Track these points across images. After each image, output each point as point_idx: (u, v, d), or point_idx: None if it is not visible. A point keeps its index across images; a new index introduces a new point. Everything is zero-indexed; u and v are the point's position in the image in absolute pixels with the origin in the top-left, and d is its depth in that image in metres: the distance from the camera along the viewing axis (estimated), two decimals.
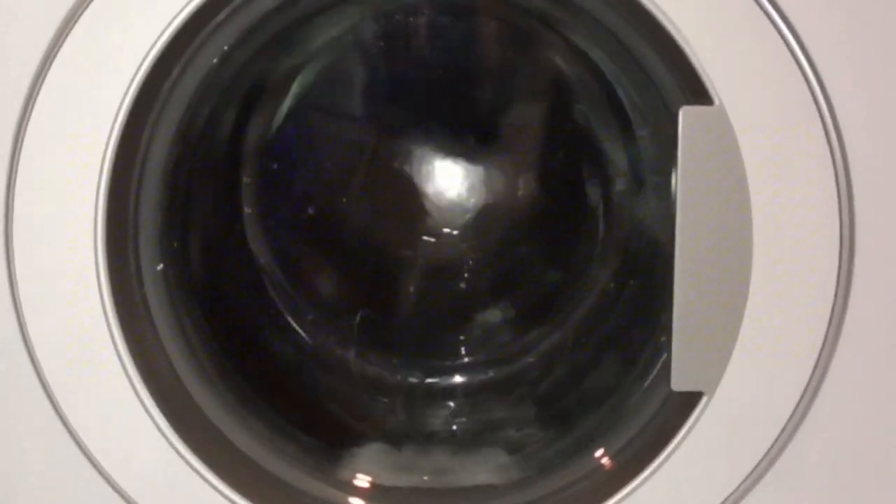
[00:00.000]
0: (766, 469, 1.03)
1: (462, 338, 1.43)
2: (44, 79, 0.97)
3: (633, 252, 1.36)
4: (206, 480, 1.05)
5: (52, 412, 1.04)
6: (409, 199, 1.43)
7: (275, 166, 1.40)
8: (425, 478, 1.20)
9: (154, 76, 0.99)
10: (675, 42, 0.95)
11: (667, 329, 1.01)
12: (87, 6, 0.97)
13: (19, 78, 0.98)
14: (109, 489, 1.05)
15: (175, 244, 1.17)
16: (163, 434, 1.04)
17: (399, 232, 1.43)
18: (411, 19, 1.37)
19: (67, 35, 0.97)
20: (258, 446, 1.14)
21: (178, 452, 1.04)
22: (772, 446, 1.02)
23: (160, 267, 1.12)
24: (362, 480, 1.17)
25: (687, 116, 0.96)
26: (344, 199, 1.45)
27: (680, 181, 0.98)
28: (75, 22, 0.97)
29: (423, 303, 1.44)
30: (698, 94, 0.96)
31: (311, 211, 1.44)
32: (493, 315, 1.43)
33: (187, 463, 1.05)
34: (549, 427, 1.28)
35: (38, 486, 1.07)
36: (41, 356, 1.02)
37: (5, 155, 0.99)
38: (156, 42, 0.97)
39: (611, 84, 1.30)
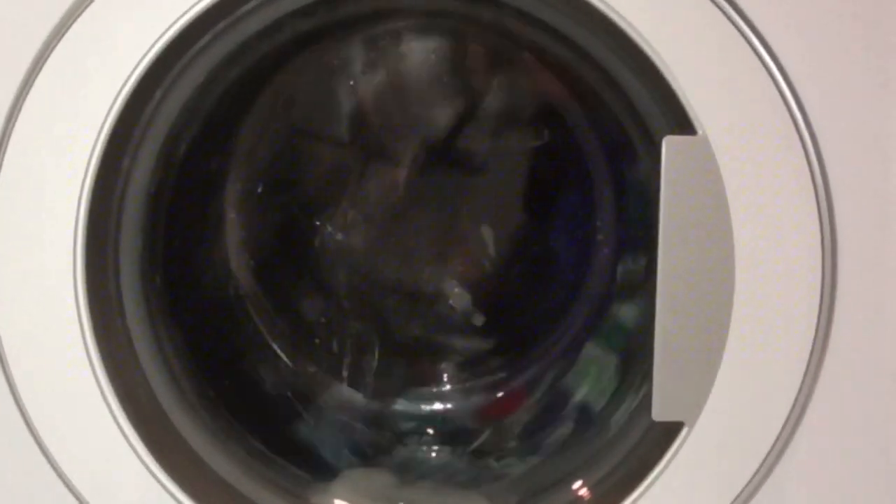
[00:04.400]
0: (747, 501, 1.03)
1: (444, 365, 1.42)
2: (23, 102, 0.97)
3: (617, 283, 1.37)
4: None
5: (28, 436, 1.03)
6: (394, 225, 1.44)
7: (258, 190, 1.40)
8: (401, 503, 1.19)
9: (136, 99, 0.99)
10: (659, 72, 0.96)
11: (648, 359, 1.01)
12: (69, 28, 0.97)
13: None
14: None
15: (156, 270, 1.17)
16: (140, 459, 1.03)
17: (383, 257, 1.43)
18: (397, 45, 1.37)
19: (49, 55, 0.97)
20: (236, 471, 1.14)
21: (155, 477, 1.04)
22: (752, 477, 1.02)
23: (139, 289, 1.11)
24: None
25: (670, 146, 0.97)
26: (328, 225, 1.44)
27: (663, 209, 0.98)
28: (58, 42, 0.97)
29: (406, 330, 1.44)
30: (682, 123, 0.96)
31: (294, 236, 1.44)
32: (475, 344, 1.42)
33: (164, 488, 1.04)
34: (528, 457, 1.27)
35: None
36: (18, 380, 1.02)
37: None
38: (138, 64, 0.98)
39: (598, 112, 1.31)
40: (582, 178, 1.41)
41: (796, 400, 0.99)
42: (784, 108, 0.95)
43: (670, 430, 1.01)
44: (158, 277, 1.18)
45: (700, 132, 0.96)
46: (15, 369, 1.02)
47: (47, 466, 1.03)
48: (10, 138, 0.98)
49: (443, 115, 1.44)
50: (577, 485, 1.11)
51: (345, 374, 1.40)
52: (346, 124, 1.43)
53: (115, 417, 1.02)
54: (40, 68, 0.97)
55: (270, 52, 1.19)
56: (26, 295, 1.00)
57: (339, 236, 1.44)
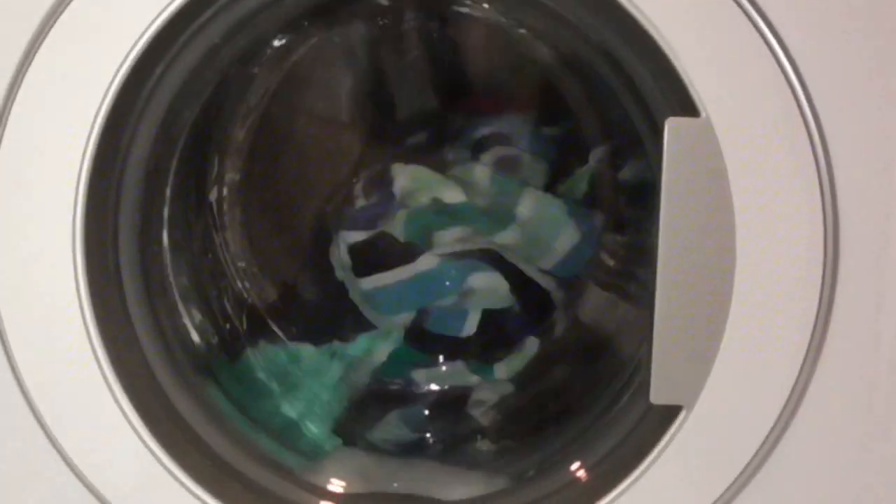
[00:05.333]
0: (745, 484, 1.03)
1: (440, 347, 1.42)
2: (22, 78, 0.97)
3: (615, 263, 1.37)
4: (181, 483, 1.05)
5: (28, 413, 1.03)
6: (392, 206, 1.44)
7: (257, 168, 1.40)
8: (395, 484, 1.19)
9: (136, 76, 0.99)
10: (663, 53, 0.95)
11: (646, 341, 1.01)
12: (70, 4, 0.96)
13: None
14: (85, 491, 1.05)
15: (154, 245, 1.17)
16: (139, 436, 1.03)
17: (382, 236, 1.43)
18: (398, 23, 1.37)
19: (49, 32, 0.96)
20: (234, 449, 1.14)
21: (153, 454, 1.04)
22: (751, 461, 1.02)
23: (139, 268, 1.11)
24: (336, 486, 1.17)
25: (673, 128, 0.96)
26: (326, 205, 1.45)
27: (664, 192, 0.97)
28: (58, 17, 0.96)
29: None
30: (684, 106, 0.96)
31: (291, 214, 1.44)
32: (472, 326, 1.43)
33: (162, 465, 1.04)
34: (525, 439, 1.28)
35: (14, 489, 1.06)
36: (18, 357, 1.02)
37: None
38: (138, 40, 0.97)
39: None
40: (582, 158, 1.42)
41: (796, 383, 0.99)
42: (788, 90, 0.94)
43: (669, 413, 1.01)
44: (156, 255, 1.18)
45: (703, 114, 0.95)
46: (16, 348, 1.01)
47: (48, 446, 1.03)
48: (10, 115, 0.97)
49: (442, 95, 1.44)
50: (575, 466, 1.12)
51: (340, 353, 1.40)
52: (347, 103, 1.43)
53: (113, 395, 1.02)
54: (40, 44, 0.96)
55: (270, 29, 1.19)
56: (26, 272, 1.00)
57: (336, 214, 1.44)
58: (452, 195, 1.39)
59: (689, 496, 1.03)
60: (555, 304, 1.42)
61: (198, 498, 1.05)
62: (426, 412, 1.37)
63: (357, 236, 1.41)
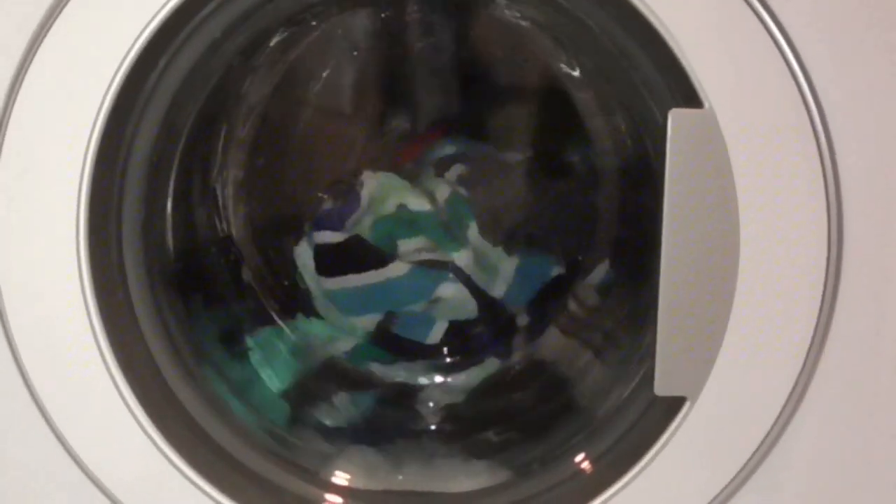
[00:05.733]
0: (749, 475, 1.03)
1: (404, 349, 1.43)
2: (26, 70, 0.97)
3: (619, 255, 1.37)
4: (185, 476, 1.05)
5: (34, 408, 1.03)
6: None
7: (260, 161, 1.40)
8: (400, 477, 1.20)
9: (140, 67, 0.98)
10: (666, 44, 0.95)
11: (651, 333, 1.01)
12: None
13: (2, 69, 0.97)
14: (90, 484, 1.05)
15: (158, 238, 1.17)
16: (143, 429, 1.03)
17: (355, 239, 1.43)
18: (401, 15, 1.36)
19: (52, 25, 0.96)
20: (238, 442, 1.14)
21: (158, 447, 1.04)
22: (755, 452, 1.02)
23: (143, 262, 1.11)
24: (341, 479, 1.17)
25: (676, 119, 0.96)
26: (331, 196, 1.45)
27: (668, 184, 0.97)
28: (62, 10, 0.96)
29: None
30: (688, 97, 0.96)
31: (295, 207, 1.44)
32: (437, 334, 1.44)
33: (167, 458, 1.04)
34: (530, 430, 1.28)
35: (19, 483, 1.06)
36: (23, 352, 1.02)
37: None
38: (142, 33, 0.97)
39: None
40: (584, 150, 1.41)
41: (800, 374, 0.99)
42: (792, 81, 0.94)
43: (673, 405, 1.01)
44: (160, 247, 1.18)
45: (706, 105, 0.95)
46: (21, 344, 1.01)
47: (53, 440, 1.03)
48: (14, 107, 0.97)
49: (445, 88, 1.44)
50: (579, 458, 1.12)
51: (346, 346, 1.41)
52: (350, 95, 1.43)
53: (118, 389, 1.02)
54: (44, 36, 0.96)
55: (274, 21, 1.19)
56: (30, 268, 1.00)
57: (342, 206, 1.44)
58: (417, 203, 1.41)
59: (693, 487, 1.03)
60: (516, 328, 1.44)
61: (202, 491, 1.05)
62: (375, 400, 1.38)
63: (328, 236, 1.42)
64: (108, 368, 1.01)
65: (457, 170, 1.45)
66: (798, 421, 1.02)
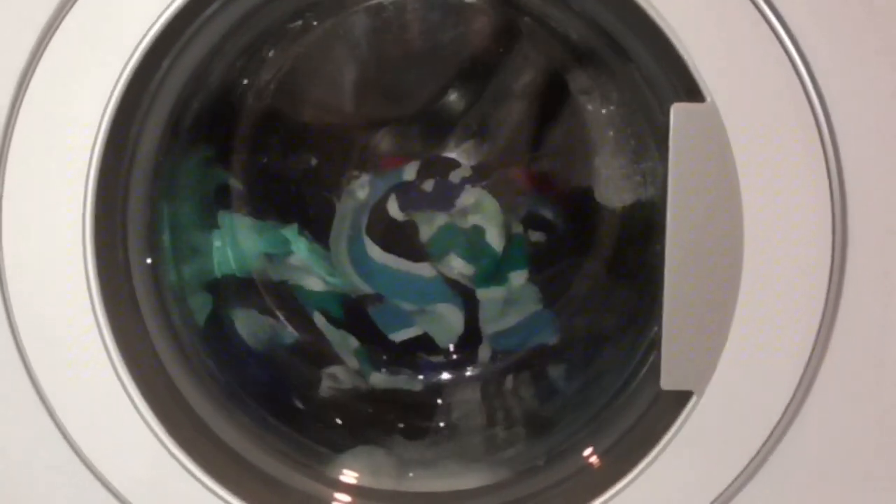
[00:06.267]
0: (756, 469, 1.03)
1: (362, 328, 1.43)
2: (33, 72, 0.97)
3: (624, 249, 1.37)
4: (193, 475, 1.05)
5: (40, 407, 1.03)
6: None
7: (263, 161, 1.40)
8: (410, 474, 1.20)
9: (144, 69, 0.99)
10: (667, 39, 0.95)
11: (656, 328, 1.01)
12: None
13: (8, 71, 0.97)
14: (97, 484, 1.05)
15: (163, 238, 1.17)
16: (150, 429, 1.03)
17: (391, 228, 1.43)
18: (402, 14, 1.36)
19: (58, 27, 0.97)
20: (246, 441, 1.14)
21: (165, 447, 1.04)
22: (762, 446, 1.01)
23: (148, 261, 1.11)
24: (349, 477, 1.17)
25: (678, 113, 0.96)
26: (334, 196, 1.45)
27: (671, 178, 0.97)
28: (67, 13, 0.96)
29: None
30: (690, 91, 0.96)
31: (298, 208, 1.44)
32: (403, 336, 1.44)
33: (174, 457, 1.04)
34: (537, 426, 1.28)
35: (25, 482, 1.06)
36: (30, 352, 1.02)
37: None
38: (146, 34, 0.97)
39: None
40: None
41: (806, 367, 0.99)
42: (794, 74, 0.94)
43: (679, 399, 1.01)
44: (166, 248, 1.18)
45: (708, 99, 0.95)
46: (27, 342, 1.02)
47: (59, 438, 1.04)
48: (21, 108, 0.97)
49: (446, 84, 1.44)
50: (587, 452, 1.12)
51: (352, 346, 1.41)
52: (351, 94, 1.43)
53: (125, 388, 1.02)
54: (49, 39, 0.96)
55: (276, 21, 1.19)
56: (37, 268, 1.00)
57: (345, 207, 1.44)
58: (495, 239, 1.41)
59: (701, 481, 1.03)
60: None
61: (210, 490, 1.05)
62: (438, 401, 1.38)
63: (395, 210, 1.42)
64: (114, 367, 1.02)
65: (538, 236, 1.44)
66: (805, 413, 1.01)
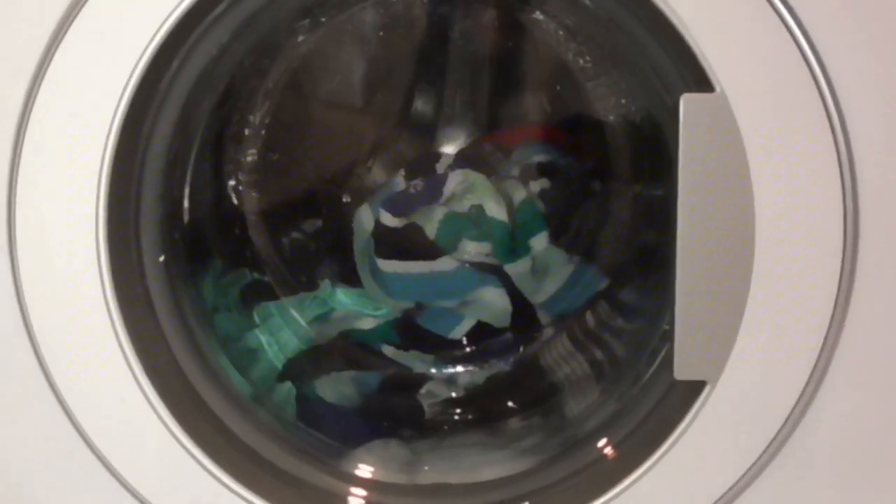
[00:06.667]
0: (771, 458, 1.03)
1: (422, 341, 1.44)
2: (45, 73, 0.97)
3: (636, 239, 1.37)
4: (209, 471, 1.05)
5: (56, 406, 1.03)
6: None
7: (275, 157, 1.40)
8: (426, 468, 1.20)
9: (154, 69, 0.99)
10: (676, 29, 0.95)
11: (669, 318, 1.01)
12: (86, 1, 0.96)
13: (20, 72, 0.98)
14: (114, 481, 1.05)
15: (176, 235, 1.17)
16: (166, 426, 1.04)
17: (397, 238, 1.43)
18: (409, 10, 1.37)
19: (68, 28, 0.97)
20: (261, 438, 1.14)
21: (181, 444, 1.04)
22: (776, 435, 1.01)
23: (161, 259, 1.12)
24: (365, 472, 1.17)
25: (688, 104, 0.96)
26: (345, 192, 1.45)
27: (681, 169, 0.97)
28: (76, 15, 0.97)
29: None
30: (699, 81, 0.96)
31: (311, 203, 1.45)
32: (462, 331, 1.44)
33: (190, 454, 1.05)
34: (552, 417, 1.28)
35: (43, 481, 1.07)
36: (45, 351, 1.02)
37: (7, 147, 0.99)
38: (155, 35, 0.97)
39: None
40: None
41: (819, 355, 0.99)
42: (804, 63, 0.94)
43: (693, 389, 1.01)
44: (178, 245, 1.18)
45: (718, 89, 0.95)
46: (41, 341, 1.02)
47: (76, 437, 1.04)
48: (33, 107, 0.98)
49: (456, 79, 1.44)
50: (601, 443, 1.12)
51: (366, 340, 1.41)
52: (361, 89, 1.43)
53: (140, 386, 1.03)
54: (61, 38, 0.97)
55: (284, 19, 1.19)
56: (51, 267, 1.01)
57: (357, 203, 1.44)
58: (496, 210, 1.41)
59: (716, 470, 1.03)
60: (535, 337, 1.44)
61: (226, 486, 1.05)
62: (379, 382, 1.39)
63: (389, 219, 1.42)
64: (129, 365, 1.02)
65: (541, 183, 1.44)
66: (819, 401, 1.01)
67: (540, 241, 1.42)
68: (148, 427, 1.04)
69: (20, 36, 0.98)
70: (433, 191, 1.42)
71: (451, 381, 1.39)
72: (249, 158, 1.39)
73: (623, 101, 1.36)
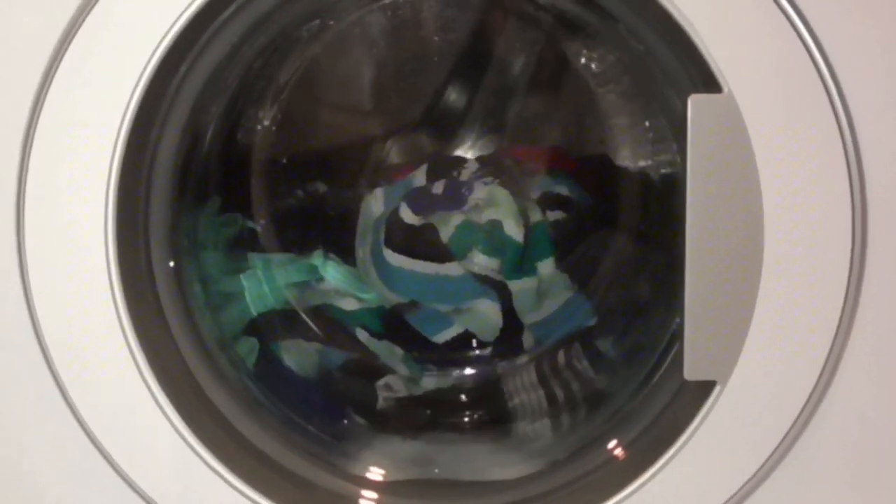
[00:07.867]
0: (781, 457, 1.03)
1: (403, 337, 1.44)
2: (52, 78, 0.98)
3: (646, 241, 1.37)
4: (219, 474, 1.05)
5: (66, 410, 1.04)
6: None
7: (283, 160, 1.41)
8: (436, 470, 1.20)
9: (162, 74, 0.99)
10: (683, 30, 0.95)
11: (679, 318, 1.01)
12: (96, 4, 0.97)
13: (28, 77, 0.98)
14: (123, 485, 1.05)
15: (185, 241, 1.17)
16: (176, 429, 1.04)
17: (411, 234, 1.43)
18: (418, 12, 1.37)
19: (75, 34, 0.97)
20: (271, 441, 1.14)
21: (190, 447, 1.04)
22: (786, 434, 1.02)
23: (171, 264, 1.12)
24: (375, 474, 1.17)
25: (696, 105, 0.96)
26: (355, 195, 1.45)
27: (690, 169, 0.97)
28: (83, 21, 0.97)
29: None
30: (707, 82, 0.96)
31: (319, 234, 1.45)
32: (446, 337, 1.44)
33: (200, 458, 1.05)
34: (562, 418, 1.28)
35: (53, 483, 1.07)
36: (54, 354, 1.02)
37: (15, 154, 0.99)
38: (163, 40, 0.97)
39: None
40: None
41: (829, 355, 0.99)
42: (811, 63, 0.94)
43: (703, 389, 1.01)
44: (187, 249, 1.19)
45: (726, 90, 0.95)
46: (51, 345, 1.02)
47: (85, 440, 1.04)
48: (41, 114, 0.98)
49: (446, 81, 1.44)
50: (612, 444, 1.12)
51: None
52: (368, 92, 1.43)
53: (150, 390, 1.03)
54: (68, 44, 0.97)
55: (292, 23, 1.19)
56: (61, 271, 1.01)
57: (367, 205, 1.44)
58: (514, 231, 1.41)
59: (726, 470, 1.03)
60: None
61: (235, 489, 1.05)
62: (341, 362, 1.39)
63: (410, 216, 1.42)
64: (138, 368, 1.02)
65: (557, 214, 1.45)
66: (829, 400, 1.01)
67: (547, 266, 1.42)
68: (157, 430, 1.04)
69: (28, 38, 0.98)
70: (457, 197, 1.43)
71: (412, 380, 1.40)
72: (257, 164, 1.39)
73: (650, 146, 1.36)
